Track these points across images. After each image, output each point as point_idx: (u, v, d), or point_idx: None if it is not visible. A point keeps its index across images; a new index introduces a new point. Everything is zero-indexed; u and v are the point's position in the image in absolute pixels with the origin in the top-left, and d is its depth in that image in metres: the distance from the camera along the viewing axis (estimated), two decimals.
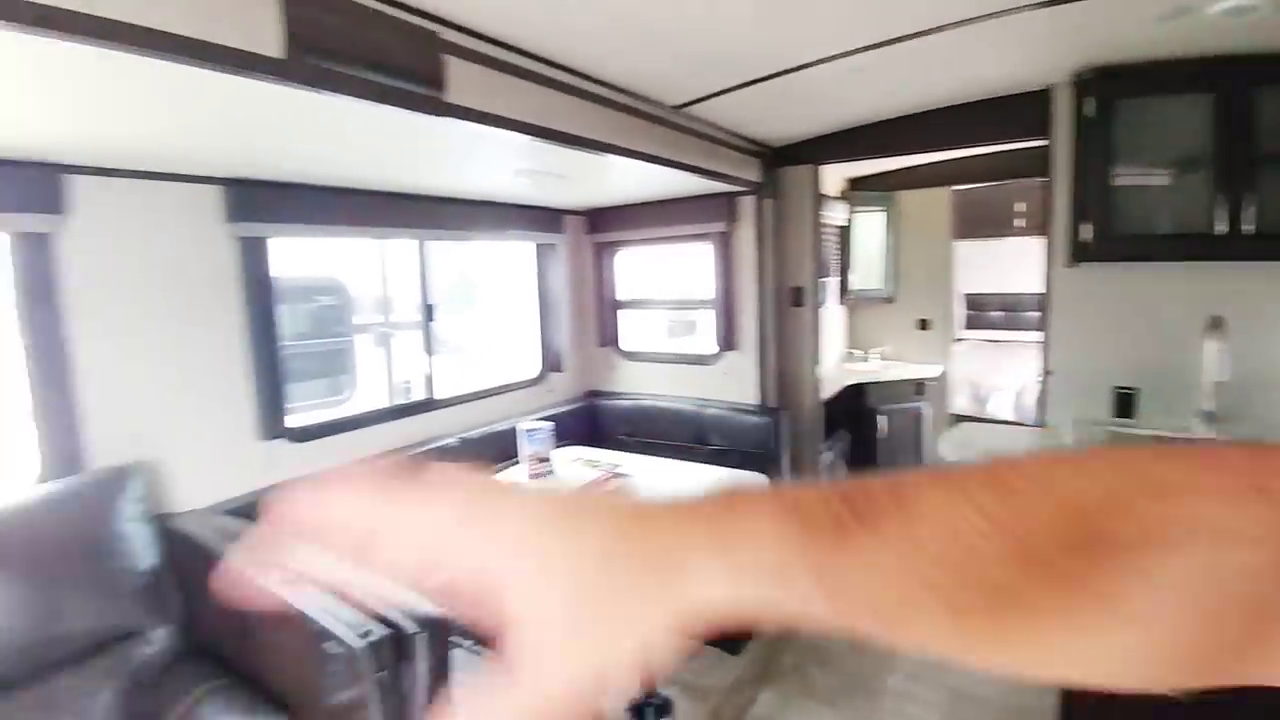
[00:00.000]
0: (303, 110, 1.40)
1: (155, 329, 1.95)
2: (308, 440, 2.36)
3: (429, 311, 2.91)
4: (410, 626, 1.28)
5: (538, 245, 3.51)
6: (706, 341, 3.50)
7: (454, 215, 2.86)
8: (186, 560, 1.71)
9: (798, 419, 3.33)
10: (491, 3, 1.41)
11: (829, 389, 3.62)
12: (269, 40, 1.10)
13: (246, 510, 2.05)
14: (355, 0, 1.23)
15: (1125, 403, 2.56)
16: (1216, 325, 2.19)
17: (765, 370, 3.28)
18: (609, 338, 3.75)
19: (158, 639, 1.62)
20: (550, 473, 2.61)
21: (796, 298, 3.35)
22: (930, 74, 2.34)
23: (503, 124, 1.57)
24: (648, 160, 2.24)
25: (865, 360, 4.51)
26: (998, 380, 4.99)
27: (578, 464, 2.77)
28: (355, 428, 2.56)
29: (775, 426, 3.10)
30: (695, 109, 2.43)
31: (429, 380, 2.91)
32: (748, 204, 3.20)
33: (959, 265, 4.44)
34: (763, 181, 3.13)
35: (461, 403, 3.01)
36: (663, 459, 2.91)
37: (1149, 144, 2.20)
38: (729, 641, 2.72)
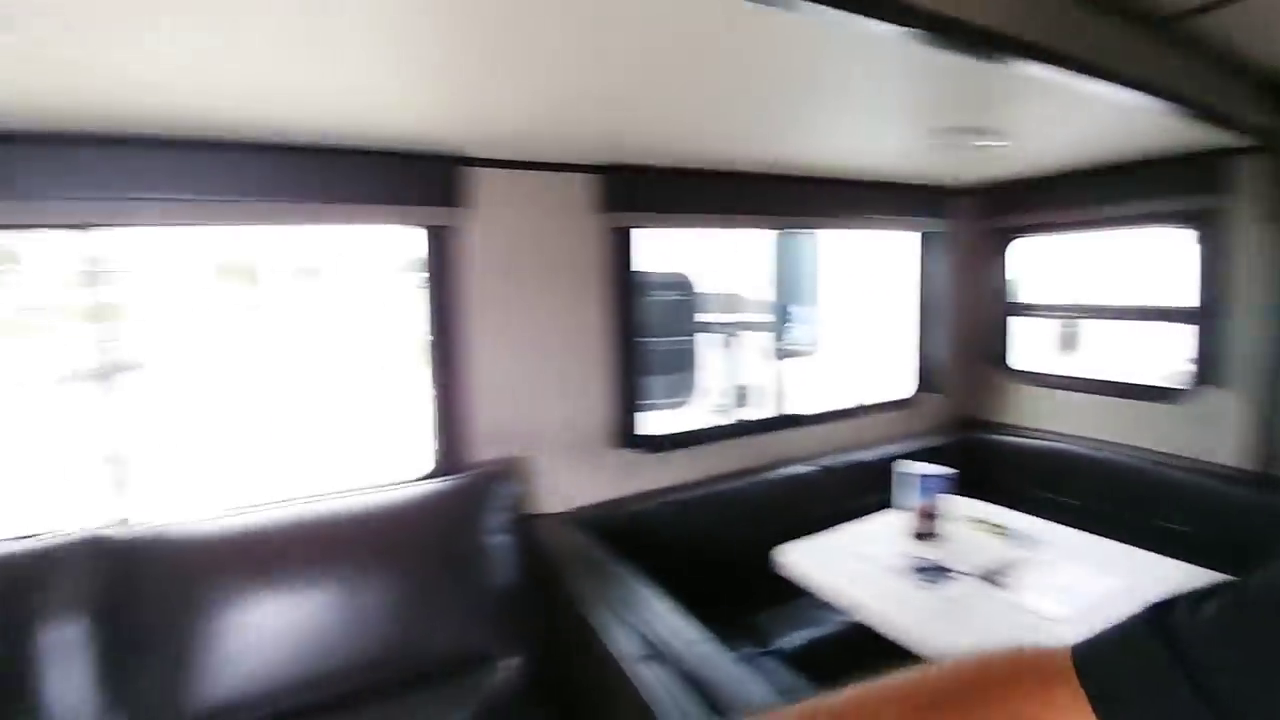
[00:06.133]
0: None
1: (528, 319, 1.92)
2: (656, 451, 2.16)
3: (783, 313, 2.51)
4: None
5: (924, 234, 2.85)
6: (1166, 369, 2.42)
7: (817, 199, 2.40)
8: (540, 572, 1.58)
9: None
10: None
11: None
12: None
13: (596, 517, 1.93)
14: None
15: None
16: None
17: (1263, 419, 2.12)
18: (996, 352, 2.91)
19: (506, 668, 1.49)
20: (936, 534, 1.98)
21: None
22: None
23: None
24: (1141, 90, 1.45)
25: None
26: None
27: (970, 524, 2.08)
28: (702, 442, 2.29)
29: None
30: (1206, 20, 1.52)
31: (779, 395, 2.51)
32: (1247, 167, 2.08)
33: None
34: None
35: (818, 422, 2.55)
36: (1089, 533, 2.04)
37: None
38: None
